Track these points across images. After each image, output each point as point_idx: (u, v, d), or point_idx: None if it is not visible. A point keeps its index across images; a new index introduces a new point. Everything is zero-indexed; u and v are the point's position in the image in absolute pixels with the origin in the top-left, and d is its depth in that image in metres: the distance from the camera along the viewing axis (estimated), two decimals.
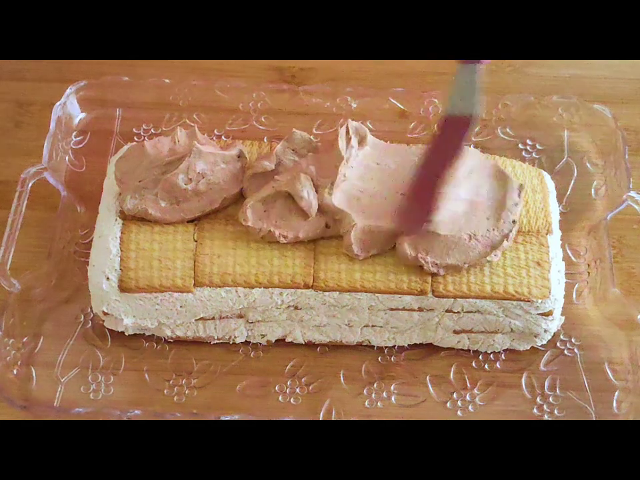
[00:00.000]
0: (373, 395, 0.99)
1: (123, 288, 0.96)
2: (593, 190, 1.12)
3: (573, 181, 1.13)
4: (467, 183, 0.99)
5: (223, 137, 1.14)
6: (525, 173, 1.04)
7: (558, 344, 1.02)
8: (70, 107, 1.14)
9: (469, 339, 1.01)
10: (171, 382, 1.00)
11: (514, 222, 0.97)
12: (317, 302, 0.98)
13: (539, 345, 1.01)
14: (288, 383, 1.00)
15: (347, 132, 1.01)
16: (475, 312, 0.98)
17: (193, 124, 1.15)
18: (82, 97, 1.15)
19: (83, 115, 1.16)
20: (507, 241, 0.96)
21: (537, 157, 1.14)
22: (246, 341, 1.02)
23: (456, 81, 0.91)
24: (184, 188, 0.98)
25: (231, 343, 1.02)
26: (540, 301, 0.96)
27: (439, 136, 0.94)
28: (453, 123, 0.92)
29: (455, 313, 0.98)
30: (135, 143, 1.08)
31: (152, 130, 1.16)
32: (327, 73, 1.22)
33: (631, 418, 0.96)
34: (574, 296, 1.05)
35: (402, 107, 1.16)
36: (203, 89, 1.16)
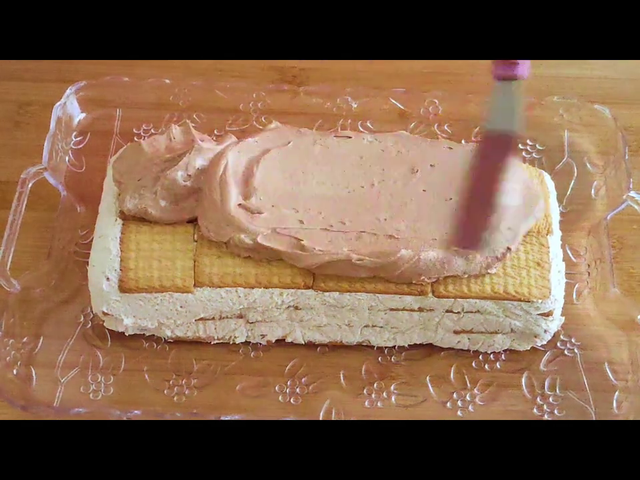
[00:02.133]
0: (373, 395, 0.99)
1: (123, 288, 0.96)
2: (593, 190, 1.12)
3: (572, 181, 1.13)
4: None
5: None
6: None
7: (558, 344, 1.02)
8: (70, 107, 1.14)
9: (469, 339, 1.01)
10: (170, 382, 1.00)
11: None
12: (317, 302, 0.98)
13: (539, 345, 1.01)
14: (288, 383, 1.00)
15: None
16: (475, 312, 0.98)
17: (193, 124, 1.15)
18: (82, 97, 1.15)
19: (82, 115, 1.16)
20: (509, 252, 0.96)
21: (537, 157, 1.14)
22: (246, 341, 1.02)
23: (495, 96, 0.90)
24: (183, 185, 0.98)
25: (231, 343, 1.02)
26: (540, 301, 0.95)
27: (483, 153, 0.92)
28: (494, 140, 0.90)
29: (455, 313, 0.98)
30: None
31: (152, 130, 1.15)
32: (327, 73, 1.22)
33: (631, 418, 0.96)
34: (574, 296, 1.05)
35: (402, 107, 1.16)
36: (203, 89, 1.16)
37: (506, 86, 0.90)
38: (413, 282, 0.95)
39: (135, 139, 1.14)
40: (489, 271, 0.95)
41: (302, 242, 0.94)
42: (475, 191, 0.91)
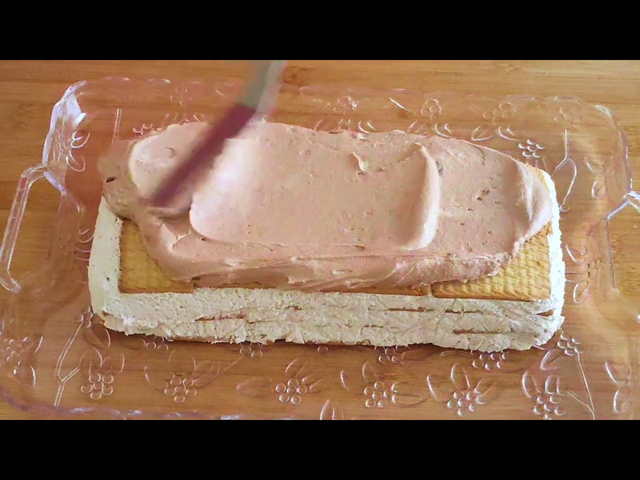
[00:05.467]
0: (373, 395, 0.99)
1: (123, 288, 0.96)
2: (593, 190, 1.12)
3: (572, 181, 1.13)
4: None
5: None
6: None
7: (558, 344, 1.02)
8: (70, 107, 1.14)
9: (469, 339, 1.01)
10: (170, 382, 1.00)
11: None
12: (317, 302, 0.98)
13: (539, 344, 1.01)
14: (288, 383, 1.00)
15: None
16: (475, 312, 0.98)
17: None
18: (82, 97, 1.15)
19: (83, 115, 1.16)
20: (511, 257, 0.96)
21: (537, 157, 1.14)
22: (246, 340, 1.02)
23: (250, 75, 0.98)
24: None
25: (231, 342, 1.02)
26: (540, 300, 0.95)
27: (221, 122, 0.99)
28: (237, 112, 0.98)
29: (455, 313, 0.98)
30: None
31: (152, 130, 1.15)
32: (327, 73, 1.22)
33: (631, 418, 0.96)
34: (574, 296, 1.05)
35: (402, 106, 1.16)
36: (202, 89, 1.16)
37: (261, 65, 0.98)
38: (413, 287, 0.95)
39: None
40: (489, 274, 0.95)
41: (288, 280, 0.93)
42: (195, 153, 0.98)
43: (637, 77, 1.23)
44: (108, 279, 0.96)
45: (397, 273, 0.93)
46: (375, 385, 1.00)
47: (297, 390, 0.99)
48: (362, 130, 1.14)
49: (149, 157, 1.01)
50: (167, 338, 1.02)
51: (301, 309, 0.99)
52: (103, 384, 0.99)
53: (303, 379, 1.00)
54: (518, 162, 1.03)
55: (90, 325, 1.02)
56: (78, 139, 1.15)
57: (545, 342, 1.01)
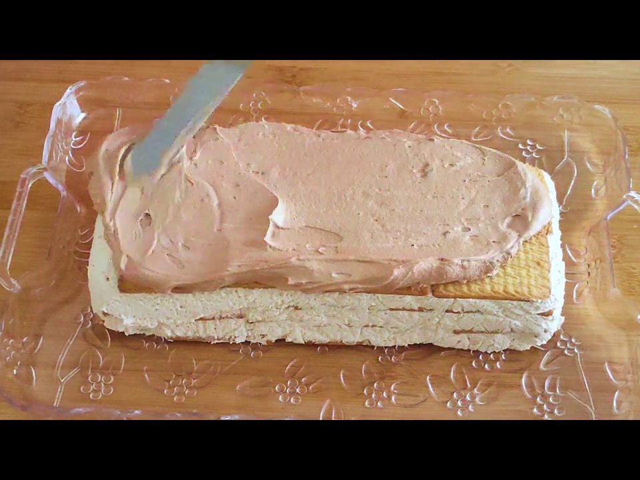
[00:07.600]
0: (373, 395, 0.99)
1: (123, 288, 0.96)
2: (593, 190, 1.12)
3: (572, 181, 1.13)
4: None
5: None
6: None
7: (558, 344, 1.02)
8: (70, 107, 1.14)
9: (469, 339, 1.01)
10: (170, 382, 1.00)
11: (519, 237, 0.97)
12: (317, 302, 0.98)
13: (539, 344, 1.01)
14: (288, 383, 1.00)
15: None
16: (475, 312, 0.98)
17: None
18: (82, 97, 1.15)
19: (83, 115, 1.16)
20: (511, 257, 0.96)
21: (537, 157, 1.14)
22: (246, 340, 1.02)
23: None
24: None
25: (231, 342, 1.02)
26: (540, 300, 0.95)
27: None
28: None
29: (455, 313, 0.98)
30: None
31: None
32: (327, 73, 1.22)
33: (631, 418, 0.96)
34: (574, 296, 1.05)
35: (402, 106, 1.16)
36: None
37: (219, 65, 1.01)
38: (410, 288, 0.95)
39: None
40: (488, 274, 0.95)
41: (288, 281, 0.93)
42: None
43: (637, 77, 1.23)
44: (108, 279, 0.96)
45: (395, 279, 0.93)
46: (375, 385, 1.00)
47: (297, 390, 0.99)
48: (361, 129, 1.14)
49: (119, 144, 1.02)
50: (166, 338, 1.02)
51: (301, 308, 0.99)
52: (102, 384, 0.99)
53: (303, 379, 1.00)
54: (518, 162, 1.03)
55: (90, 324, 1.02)
56: (78, 139, 1.15)
57: (544, 342, 1.01)
